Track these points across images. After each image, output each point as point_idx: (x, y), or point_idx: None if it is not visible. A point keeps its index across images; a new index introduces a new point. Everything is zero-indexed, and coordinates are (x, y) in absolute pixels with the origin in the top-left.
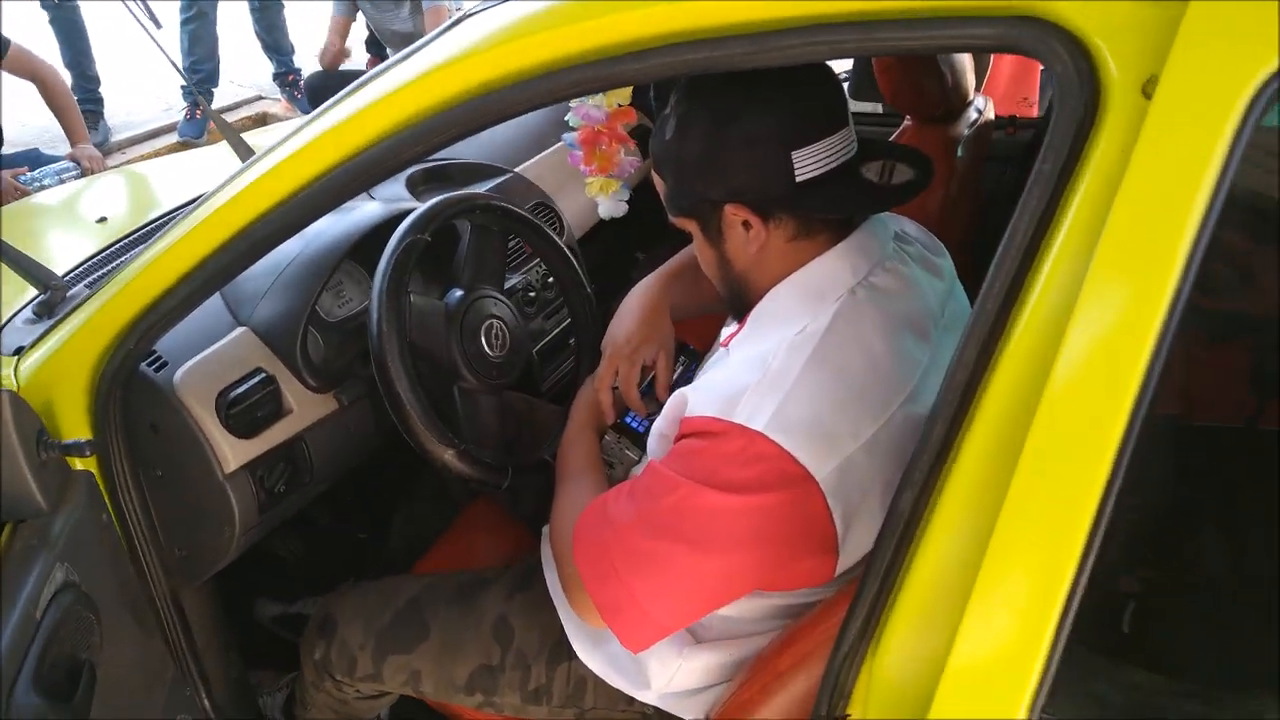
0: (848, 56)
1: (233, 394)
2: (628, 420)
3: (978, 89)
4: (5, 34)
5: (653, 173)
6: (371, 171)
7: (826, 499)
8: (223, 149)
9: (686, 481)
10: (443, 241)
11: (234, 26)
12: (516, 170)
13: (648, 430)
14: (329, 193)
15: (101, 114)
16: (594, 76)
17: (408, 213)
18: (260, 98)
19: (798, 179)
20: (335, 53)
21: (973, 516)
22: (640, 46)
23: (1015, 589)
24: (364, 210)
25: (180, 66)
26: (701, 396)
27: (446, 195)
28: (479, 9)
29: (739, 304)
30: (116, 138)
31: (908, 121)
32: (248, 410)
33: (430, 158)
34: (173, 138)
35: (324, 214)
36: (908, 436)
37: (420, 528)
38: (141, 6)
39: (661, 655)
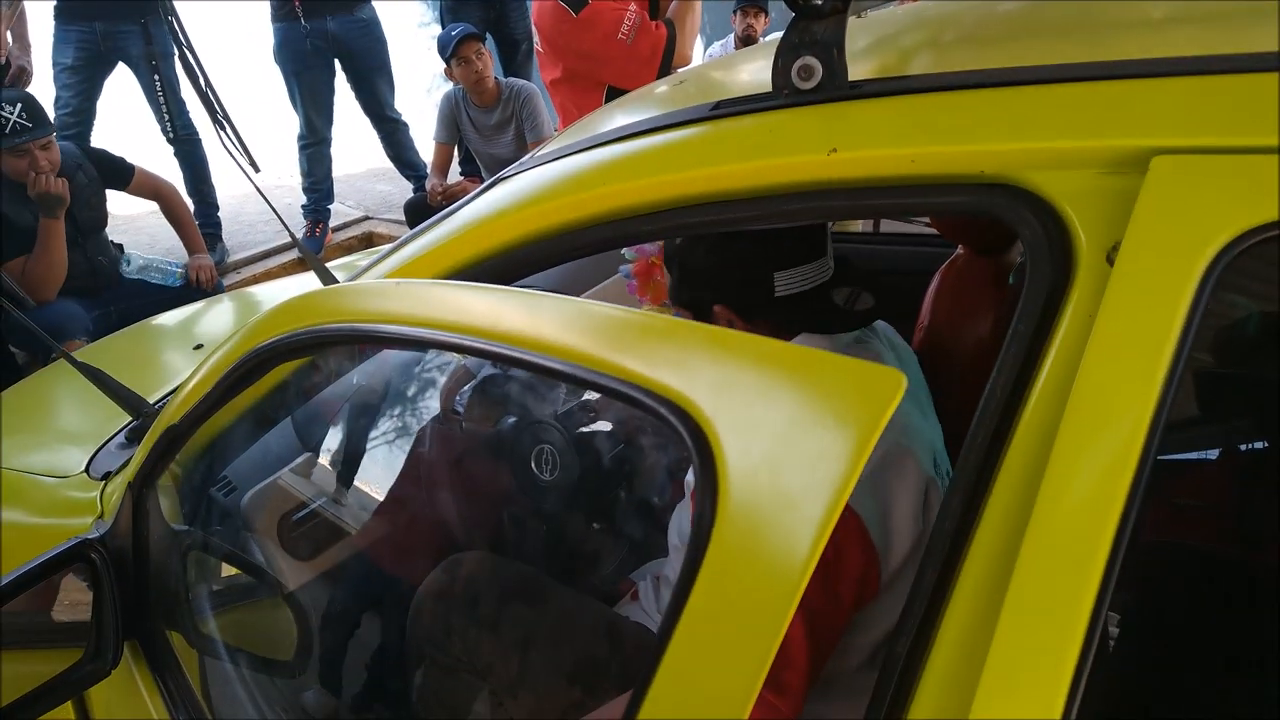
0: (838, 219)
1: (294, 519)
2: None
3: None
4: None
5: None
6: None
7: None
8: (336, 268)
9: None
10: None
11: (340, 151)
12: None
13: None
14: None
15: (219, 236)
16: (610, 236)
17: None
18: (367, 218)
19: (776, 294)
20: (439, 193)
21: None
22: (650, 210)
23: None
24: None
25: (301, 186)
26: None
27: None
28: (511, 173)
29: None
30: (233, 258)
31: (960, 250)
32: (308, 534)
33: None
34: (285, 257)
35: None
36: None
37: None
38: (241, 151)
39: None
